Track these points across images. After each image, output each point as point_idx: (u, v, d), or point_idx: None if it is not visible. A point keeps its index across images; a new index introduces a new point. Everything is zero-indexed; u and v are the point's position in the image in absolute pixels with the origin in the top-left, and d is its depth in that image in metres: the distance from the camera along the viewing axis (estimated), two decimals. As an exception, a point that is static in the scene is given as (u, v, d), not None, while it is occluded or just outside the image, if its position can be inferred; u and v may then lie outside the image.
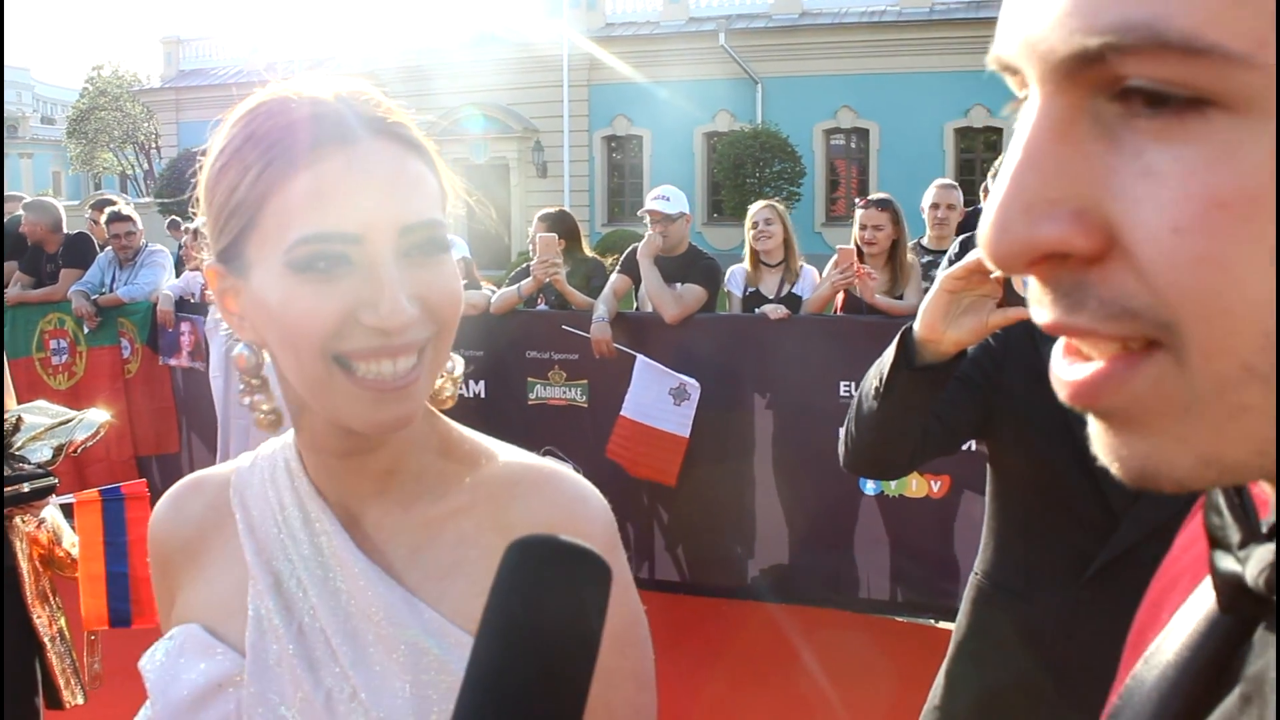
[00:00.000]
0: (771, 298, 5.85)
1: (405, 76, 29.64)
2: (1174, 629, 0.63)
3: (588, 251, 6.38)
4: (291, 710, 1.01)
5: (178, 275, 7.59)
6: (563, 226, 5.99)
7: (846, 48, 26.21)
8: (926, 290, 5.51)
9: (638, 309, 6.14)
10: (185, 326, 6.81)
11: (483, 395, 6.02)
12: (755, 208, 6.01)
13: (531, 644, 0.67)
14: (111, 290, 7.19)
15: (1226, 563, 0.55)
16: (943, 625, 4.88)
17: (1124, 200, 0.43)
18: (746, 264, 6.04)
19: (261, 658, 1.03)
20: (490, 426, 2.03)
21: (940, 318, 1.72)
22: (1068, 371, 0.49)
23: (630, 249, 5.94)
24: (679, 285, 5.68)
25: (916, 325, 1.76)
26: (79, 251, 7.60)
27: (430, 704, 0.97)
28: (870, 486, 5.13)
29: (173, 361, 6.95)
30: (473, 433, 1.19)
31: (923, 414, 1.90)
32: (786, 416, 5.49)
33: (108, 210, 7.49)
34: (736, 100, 27.54)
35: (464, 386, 6.00)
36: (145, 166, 38.11)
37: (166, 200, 27.06)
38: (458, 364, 1.13)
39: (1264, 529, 0.54)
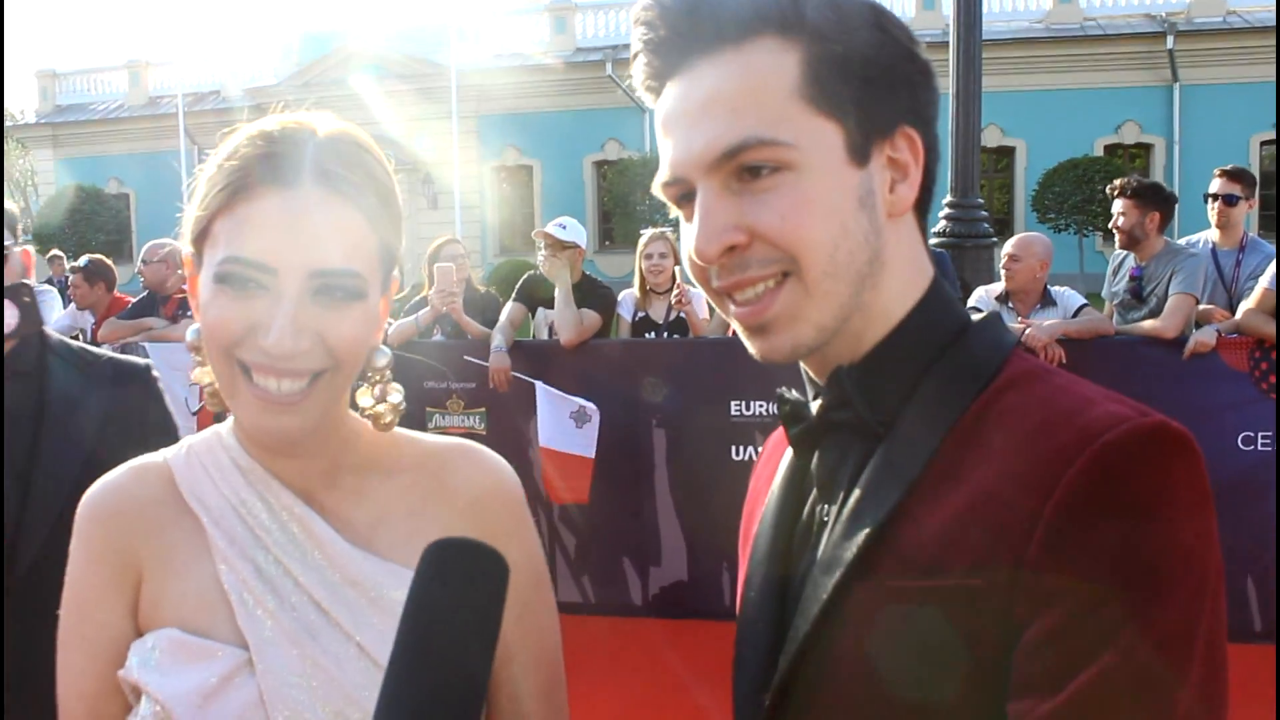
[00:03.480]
0: (660, 322, 6.00)
1: (292, 107, 29.22)
2: (765, 507, 1.09)
3: (479, 286, 6.42)
4: (305, 678, 1.10)
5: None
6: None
7: (731, 76, 26.62)
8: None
9: (534, 337, 6.22)
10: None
11: (382, 426, 6.02)
12: (646, 238, 6.14)
13: (452, 622, 0.83)
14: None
15: (795, 427, 1.03)
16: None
17: (754, 215, 0.94)
18: (636, 290, 6.19)
19: (260, 636, 1.11)
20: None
21: None
22: (742, 310, 0.97)
23: (524, 278, 6.03)
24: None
25: None
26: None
27: None
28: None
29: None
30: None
31: None
32: (681, 436, 5.64)
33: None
34: (625, 129, 27.85)
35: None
36: (22, 204, 36.90)
37: (47, 240, 26.24)
38: (397, 393, 1.23)
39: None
